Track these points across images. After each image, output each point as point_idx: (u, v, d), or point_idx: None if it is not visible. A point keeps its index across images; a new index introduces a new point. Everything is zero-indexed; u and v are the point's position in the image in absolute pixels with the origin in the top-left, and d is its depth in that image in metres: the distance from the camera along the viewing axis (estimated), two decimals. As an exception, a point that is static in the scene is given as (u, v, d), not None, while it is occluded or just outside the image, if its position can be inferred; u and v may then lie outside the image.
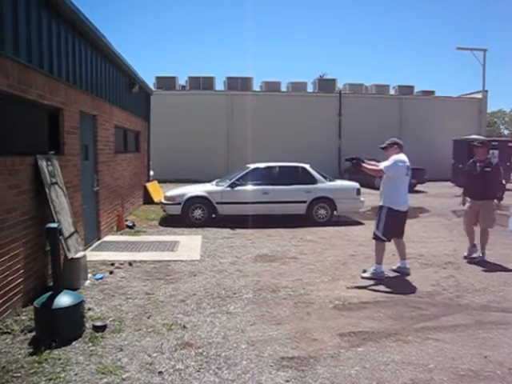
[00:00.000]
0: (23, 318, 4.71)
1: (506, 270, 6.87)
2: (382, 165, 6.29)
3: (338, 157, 25.90)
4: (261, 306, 5.23)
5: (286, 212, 11.02)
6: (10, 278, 4.75)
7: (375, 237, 6.44)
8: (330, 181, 11.52)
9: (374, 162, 6.68)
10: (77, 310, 4.33)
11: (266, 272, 6.67)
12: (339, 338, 4.37)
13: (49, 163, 5.77)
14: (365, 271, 6.54)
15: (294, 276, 6.46)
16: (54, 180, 5.79)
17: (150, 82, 22.46)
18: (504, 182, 7.40)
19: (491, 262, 7.24)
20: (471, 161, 7.63)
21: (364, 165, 6.39)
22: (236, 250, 8.13)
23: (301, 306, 5.22)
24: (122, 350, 4.06)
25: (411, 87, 29.37)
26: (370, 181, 16.42)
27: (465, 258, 7.53)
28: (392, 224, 6.29)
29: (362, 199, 11.32)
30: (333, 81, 29.05)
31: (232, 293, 5.68)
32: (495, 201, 7.22)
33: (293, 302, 5.37)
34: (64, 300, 4.27)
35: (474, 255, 7.50)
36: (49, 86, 5.91)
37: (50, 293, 4.35)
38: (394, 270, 6.72)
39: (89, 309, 5.00)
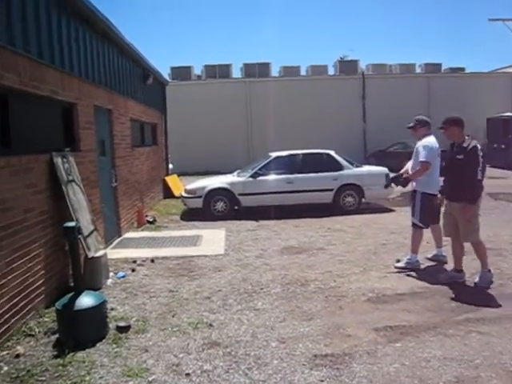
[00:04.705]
0: (46, 319, 4.76)
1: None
2: (422, 158, 6.05)
3: (363, 141, 25.48)
4: (290, 300, 5.15)
5: (311, 201, 10.89)
6: (31, 280, 4.80)
7: (413, 224, 6.28)
8: (357, 167, 11.33)
9: (408, 166, 6.48)
10: (99, 310, 4.34)
11: (293, 265, 6.59)
12: (375, 332, 4.25)
13: (64, 160, 5.78)
14: (398, 261, 6.38)
15: (323, 268, 6.37)
16: (70, 177, 5.80)
17: (165, 73, 22.44)
18: (480, 177, 5.13)
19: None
20: (450, 143, 5.61)
21: (410, 175, 6.23)
22: (261, 243, 8.07)
23: (332, 300, 5.13)
24: (147, 351, 4.04)
25: (439, 65, 28.59)
26: (399, 164, 16.04)
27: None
28: (429, 209, 6.10)
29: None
30: (355, 62, 28.48)
31: (259, 288, 5.62)
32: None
33: (323, 295, 5.28)
34: (85, 301, 4.28)
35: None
36: (61, 81, 5.91)
37: (71, 294, 4.36)
38: (430, 259, 6.54)
39: (112, 309, 5.01)
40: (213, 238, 8.48)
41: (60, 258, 5.53)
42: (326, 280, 5.83)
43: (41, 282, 5.01)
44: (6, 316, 4.28)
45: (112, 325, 4.52)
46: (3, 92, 4.58)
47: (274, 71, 28.23)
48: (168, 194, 14.31)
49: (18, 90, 4.81)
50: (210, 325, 4.54)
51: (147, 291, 5.63)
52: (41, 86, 5.30)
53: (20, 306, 4.53)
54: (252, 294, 5.39)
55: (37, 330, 4.48)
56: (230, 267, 6.59)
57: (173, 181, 15.21)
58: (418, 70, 28.56)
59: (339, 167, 10.97)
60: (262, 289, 5.58)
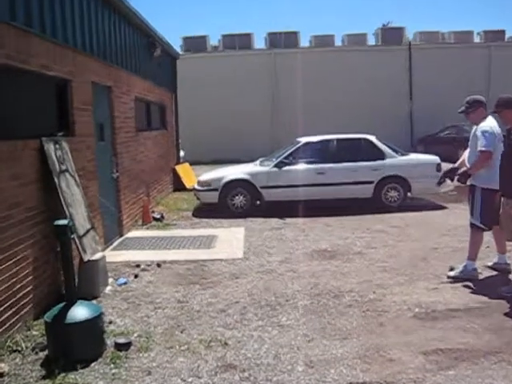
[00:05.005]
0: (34, 333, 4.79)
1: None
2: (481, 147, 5.85)
3: (410, 124, 25.12)
4: (320, 315, 5.11)
5: (347, 196, 10.81)
6: (17, 286, 4.82)
7: (471, 225, 6.11)
8: (402, 155, 11.22)
9: (464, 156, 6.28)
10: (95, 324, 4.34)
11: (325, 272, 6.56)
12: (423, 357, 4.15)
13: (57, 147, 5.79)
14: (452, 269, 6.25)
15: (360, 277, 6.31)
16: (63, 167, 5.82)
17: (176, 45, 22.45)
18: None
19: None
20: (506, 129, 5.52)
21: (469, 170, 6.03)
22: (287, 245, 8.05)
23: (371, 316, 5.06)
24: (150, 373, 4.02)
25: (501, 32, 27.94)
26: (452, 152, 15.73)
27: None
28: (491, 207, 5.91)
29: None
30: (400, 30, 27.99)
31: (284, 299, 5.58)
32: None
33: (360, 310, 5.22)
34: (79, 312, 4.28)
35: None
36: (53, 53, 5.90)
37: (62, 304, 4.37)
38: (490, 267, 6.38)
39: (110, 322, 5.03)
40: (230, 239, 8.48)
41: (51, 261, 5.55)
42: (363, 291, 5.75)
43: (29, 288, 5.02)
44: None
45: (110, 341, 4.52)
46: None
47: (304, 41, 28.03)
48: (179, 186, 14.38)
49: (2, 65, 4.79)
50: (225, 343, 4.51)
51: (152, 301, 5.63)
52: (29, 59, 5.29)
53: (5, 316, 4.54)
54: (275, 307, 5.35)
55: (23, 344, 4.49)
56: (249, 274, 6.58)
57: (184, 171, 15.30)
58: (477, 39, 27.93)
59: (381, 156, 10.85)
60: (287, 301, 5.54)
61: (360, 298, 5.55)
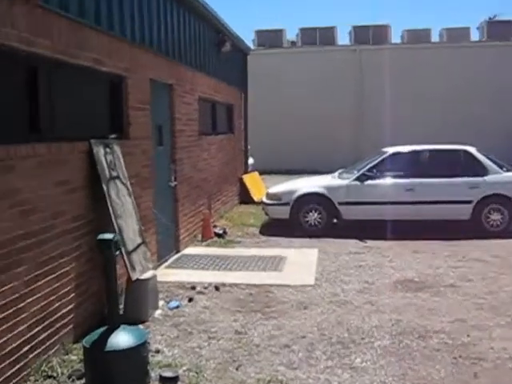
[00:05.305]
0: (73, 358, 4.87)
1: None
2: None
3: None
4: (402, 359, 4.94)
5: (439, 217, 10.62)
6: (56, 305, 4.90)
7: None
8: (508, 170, 10.85)
9: None
10: (138, 353, 4.31)
11: (410, 307, 6.39)
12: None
13: (108, 150, 5.90)
14: None
15: (452, 315, 6.10)
16: (114, 173, 5.92)
17: (248, 39, 22.76)
18: None
19: None
20: None
21: None
22: (367, 272, 7.95)
23: (463, 364, 4.84)
24: (197, 415, 3.96)
25: None
26: None
27: None
28: None
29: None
30: (509, 24, 27.03)
31: (359, 337, 5.47)
32: None
33: (451, 355, 5.00)
34: (121, 339, 4.27)
35: None
36: (108, 47, 6.05)
37: (103, 328, 4.39)
38: None
39: (157, 351, 5.06)
40: (300, 262, 8.44)
41: (96, 277, 5.63)
42: (455, 333, 5.54)
43: (69, 307, 5.11)
44: (23, 350, 4.37)
45: (155, 373, 4.52)
46: (32, 62, 4.71)
47: (395, 36, 27.63)
48: (246, 198, 14.49)
49: (51, 60, 4.92)
50: (287, 385, 4.43)
51: (206, 330, 5.63)
52: (81, 53, 5.43)
53: (41, 338, 4.63)
54: (348, 346, 5.24)
55: (60, 370, 4.57)
56: (320, 304, 6.49)
57: (252, 181, 15.38)
58: None
59: (482, 171, 10.60)
60: (362, 338, 5.43)
61: (451, 340, 5.34)
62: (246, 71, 15.72)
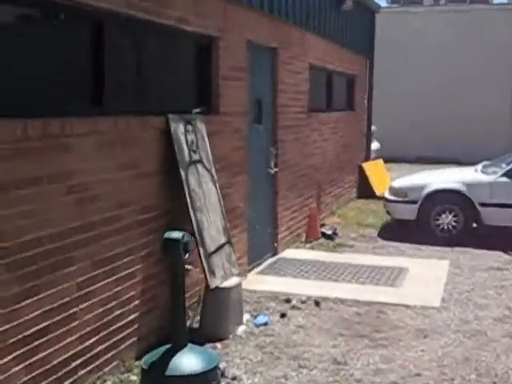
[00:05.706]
0: (133, 378, 4.85)
1: None
2: None
3: None
4: None
5: None
6: (116, 313, 4.87)
7: None
8: None
9: None
10: (206, 380, 4.29)
11: None
12: None
13: (189, 128, 5.83)
14: None
15: None
16: (196, 156, 5.86)
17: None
18: None
19: None
20: None
21: None
22: (510, 295, 7.60)
23: None
24: None
25: None
26: None
27: None
28: None
29: None
30: None
31: (490, 380, 5.13)
32: None
33: None
34: (186, 362, 4.31)
35: None
36: (195, 3, 5.95)
37: (166, 347, 4.38)
38: None
39: (233, 378, 4.97)
40: (425, 276, 8.22)
41: (168, 282, 5.51)
42: None
43: (132, 317, 5.08)
44: (72, 365, 4.35)
45: (227, 407, 4.47)
46: (96, 19, 4.64)
47: None
48: (365, 191, 14.33)
49: (122, 16, 4.85)
50: None
51: (297, 356, 5.47)
52: (162, 10, 5.35)
53: (95, 351, 4.61)
54: None
55: (116, 391, 4.61)
56: (445, 333, 6.21)
57: (375, 170, 15.16)
58: None
59: None
60: (494, 382, 5.10)
61: None
62: (373, 34, 15.44)
